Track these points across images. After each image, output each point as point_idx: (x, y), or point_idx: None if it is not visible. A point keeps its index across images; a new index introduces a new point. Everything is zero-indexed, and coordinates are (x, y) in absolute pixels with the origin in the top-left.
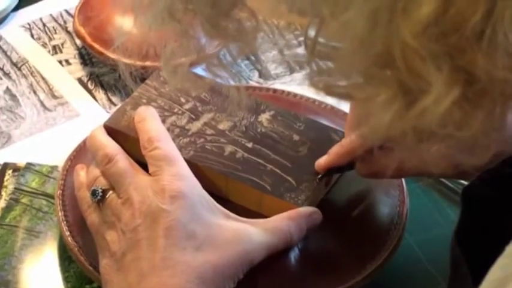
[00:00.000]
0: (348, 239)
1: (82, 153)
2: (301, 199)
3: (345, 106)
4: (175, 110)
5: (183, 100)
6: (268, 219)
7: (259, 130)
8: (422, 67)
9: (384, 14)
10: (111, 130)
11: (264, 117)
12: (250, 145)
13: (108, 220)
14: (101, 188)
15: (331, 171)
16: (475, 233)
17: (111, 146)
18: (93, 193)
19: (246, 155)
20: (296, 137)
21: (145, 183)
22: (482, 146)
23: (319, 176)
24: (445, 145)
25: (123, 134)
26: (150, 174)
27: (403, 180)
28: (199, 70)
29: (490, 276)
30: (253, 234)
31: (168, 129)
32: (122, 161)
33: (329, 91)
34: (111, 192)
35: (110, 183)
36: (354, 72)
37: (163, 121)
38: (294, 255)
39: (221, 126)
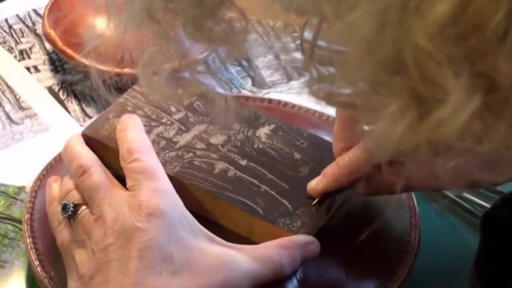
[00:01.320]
0: (354, 268)
1: (53, 172)
2: (297, 226)
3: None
4: (164, 120)
5: (173, 109)
6: (257, 246)
7: (255, 146)
8: (438, 73)
9: (394, 13)
10: (89, 139)
11: (263, 132)
12: (244, 163)
13: (79, 238)
14: (72, 203)
15: (327, 195)
16: (497, 264)
17: (86, 157)
18: (64, 208)
19: (238, 173)
20: (297, 156)
21: (121, 198)
22: (504, 160)
23: (315, 202)
24: (463, 160)
25: (102, 144)
26: (128, 189)
27: (414, 200)
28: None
29: None
30: (238, 261)
31: (154, 141)
32: (98, 173)
33: (331, 100)
34: (84, 207)
35: (84, 198)
36: (360, 79)
37: (149, 132)
38: (292, 286)
39: (213, 140)
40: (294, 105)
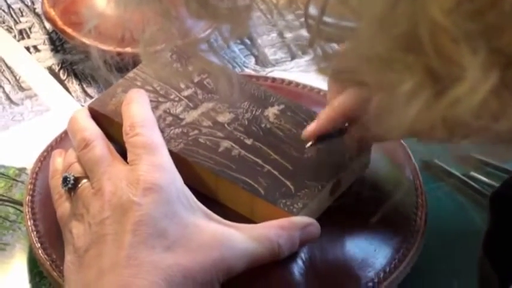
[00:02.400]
0: (360, 248)
1: None
2: (297, 207)
3: None
4: (172, 96)
5: (182, 86)
6: (255, 225)
7: (263, 126)
8: (455, 50)
9: None
10: (95, 113)
11: (272, 111)
12: (249, 142)
13: (78, 212)
14: (73, 176)
15: (320, 138)
16: (507, 243)
17: (90, 130)
18: (64, 180)
19: (243, 152)
20: None
21: (120, 173)
22: None
23: (308, 144)
24: (479, 139)
25: (108, 118)
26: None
27: (420, 179)
28: None
29: None
30: (235, 239)
31: (160, 117)
32: (100, 147)
33: (340, 78)
34: (85, 181)
35: (85, 171)
36: (372, 56)
37: (156, 107)
38: (297, 267)
39: (220, 118)
40: (297, 84)
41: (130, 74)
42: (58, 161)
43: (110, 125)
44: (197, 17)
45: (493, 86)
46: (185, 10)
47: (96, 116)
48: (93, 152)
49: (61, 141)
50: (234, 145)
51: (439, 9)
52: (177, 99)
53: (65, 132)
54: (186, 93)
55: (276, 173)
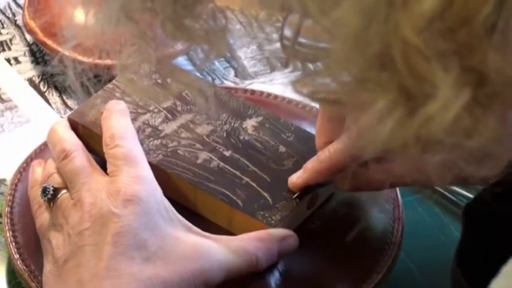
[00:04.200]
0: (337, 261)
1: None
2: (275, 219)
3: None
4: (151, 108)
5: (161, 97)
6: (234, 237)
7: (241, 137)
8: (427, 68)
9: (381, 8)
10: (75, 124)
11: (250, 124)
12: (228, 154)
13: (57, 222)
14: (52, 186)
15: (307, 190)
16: (479, 255)
17: (70, 141)
18: (44, 191)
19: (221, 164)
20: (282, 149)
21: (100, 184)
22: (495, 156)
23: (295, 196)
24: (452, 156)
25: (87, 130)
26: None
27: (397, 191)
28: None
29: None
30: (213, 252)
31: (139, 128)
32: (79, 158)
33: (315, 97)
34: (64, 191)
35: (64, 182)
36: (346, 75)
37: (135, 119)
38: (275, 280)
39: (199, 130)
40: (276, 96)
41: (110, 85)
42: (37, 171)
43: (90, 137)
44: (173, 39)
45: (465, 104)
46: (161, 31)
47: (76, 127)
48: (73, 163)
49: (41, 152)
50: (212, 157)
51: (411, 28)
52: (156, 110)
53: (45, 144)
54: (165, 104)
55: (254, 184)
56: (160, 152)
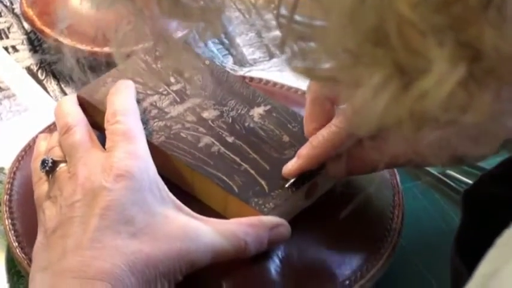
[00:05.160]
0: (337, 246)
1: (32, 152)
2: (268, 207)
3: None
4: (160, 90)
5: (172, 80)
6: (224, 220)
7: (246, 125)
8: (422, 43)
9: None
10: (83, 101)
11: (257, 112)
12: (230, 140)
13: (53, 194)
14: (51, 159)
15: (302, 177)
16: (478, 241)
17: (73, 116)
18: (42, 163)
19: (222, 149)
20: (286, 138)
21: (96, 159)
22: (490, 133)
23: (289, 183)
24: (447, 133)
25: (94, 107)
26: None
27: (398, 178)
28: None
29: (480, 270)
30: (201, 233)
31: (146, 109)
32: (80, 132)
33: (311, 75)
34: (63, 165)
35: (64, 155)
36: (341, 52)
37: (143, 99)
38: (274, 266)
39: (205, 115)
40: (275, 83)
41: (122, 66)
42: (42, 144)
43: (96, 114)
44: (169, 16)
45: (460, 79)
46: (157, 9)
47: (83, 103)
48: (73, 137)
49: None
50: (214, 142)
51: (406, 2)
52: (165, 92)
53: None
54: (175, 87)
55: (252, 172)
56: (163, 133)
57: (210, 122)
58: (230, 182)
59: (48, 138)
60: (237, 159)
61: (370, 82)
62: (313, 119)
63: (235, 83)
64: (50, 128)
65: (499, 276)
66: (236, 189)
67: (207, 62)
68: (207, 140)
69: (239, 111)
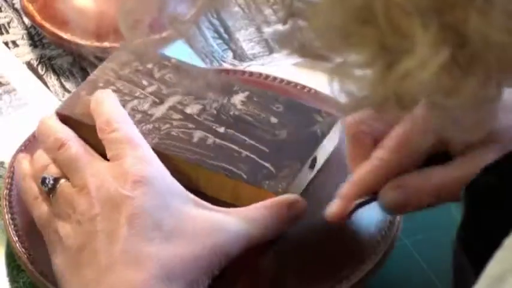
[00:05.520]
0: (334, 241)
1: (32, 147)
2: (282, 187)
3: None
4: (137, 94)
5: (145, 83)
6: (243, 208)
7: (232, 113)
8: (407, 24)
9: None
10: (64, 118)
11: (238, 99)
12: (222, 130)
13: (61, 211)
14: (52, 176)
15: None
16: (480, 234)
17: (63, 131)
18: (43, 182)
19: (218, 140)
20: (274, 120)
21: (104, 169)
22: (475, 119)
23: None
24: (433, 115)
25: (77, 122)
26: (107, 160)
27: None
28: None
29: (488, 271)
30: (227, 224)
31: (129, 115)
32: (75, 146)
33: (303, 53)
34: (63, 180)
35: (62, 171)
36: (331, 30)
37: (124, 106)
38: (271, 256)
39: (189, 110)
40: (275, 78)
41: (92, 77)
42: (25, 163)
43: (79, 129)
44: None
45: (443, 62)
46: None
47: (64, 120)
48: (70, 151)
49: None
50: (207, 134)
51: None
52: (142, 96)
53: None
54: (150, 89)
55: (254, 156)
56: (155, 135)
57: (196, 116)
58: (236, 170)
59: (28, 158)
60: (235, 147)
61: (356, 61)
62: (354, 157)
63: (208, 75)
64: (26, 147)
65: (509, 282)
66: (245, 176)
67: (173, 61)
68: (199, 134)
69: (220, 101)
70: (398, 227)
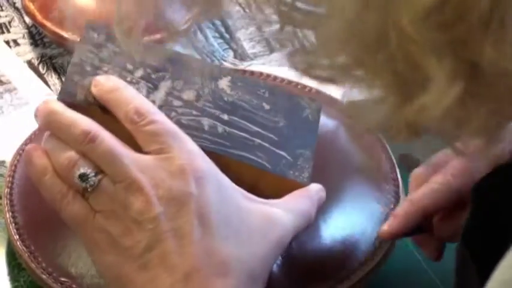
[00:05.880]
0: (335, 241)
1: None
2: (305, 176)
3: (333, 90)
4: (128, 79)
5: (129, 67)
6: (285, 199)
7: (225, 99)
8: (422, 58)
9: None
10: (68, 105)
11: (224, 84)
12: (225, 117)
13: (105, 209)
14: (93, 172)
15: (397, 236)
16: (486, 235)
17: (87, 122)
18: (83, 178)
19: (227, 129)
20: (266, 106)
21: (151, 163)
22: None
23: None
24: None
25: (81, 109)
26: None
27: (397, 172)
28: None
29: (499, 276)
30: (280, 216)
31: None
32: (108, 138)
33: (310, 73)
34: (100, 176)
35: (98, 166)
36: (342, 56)
37: None
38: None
39: (185, 97)
40: (276, 77)
41: (75, 60)
42: (43, 158)
43: (88, 115)
44: None
45: (457, 95)
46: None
47: (69, 108)
48: (105, 145)
49: (40, 134)
50: (215, 122)
51: (408, 18)
52: (134, 81)
53: None
54: (138, 74)
55: (267, 145)
56: None
57: (195, 103)
58: (259, 160)
59: (42, 151)
60: (246, 135)
61: (370, 90)
62: (415, 177)
63: (182, 58)
64: (31, 139)
65: None
66: (269, 166)
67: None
68: (206, 121)
69: (209, 86)
70: None
